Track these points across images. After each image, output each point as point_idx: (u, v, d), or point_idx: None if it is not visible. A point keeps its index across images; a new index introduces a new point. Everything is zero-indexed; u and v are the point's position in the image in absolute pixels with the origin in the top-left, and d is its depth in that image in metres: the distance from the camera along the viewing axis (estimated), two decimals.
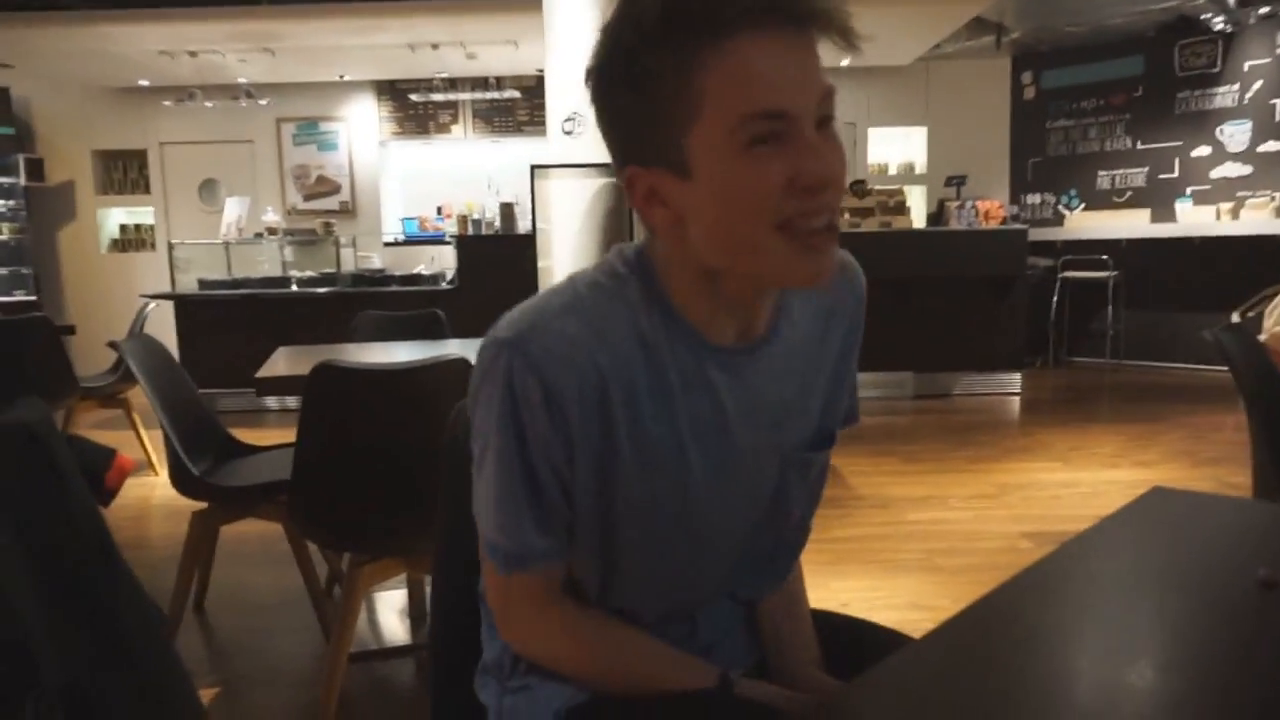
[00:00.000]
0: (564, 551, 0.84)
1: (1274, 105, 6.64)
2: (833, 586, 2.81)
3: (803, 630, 1.00)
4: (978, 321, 5.98)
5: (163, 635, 1.33)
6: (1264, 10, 6.46)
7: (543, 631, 0.87)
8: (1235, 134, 6.87)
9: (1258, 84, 6.72)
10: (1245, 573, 0.84)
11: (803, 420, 0.90)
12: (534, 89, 7.80)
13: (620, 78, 0.73)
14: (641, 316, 0.80)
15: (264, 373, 2.45)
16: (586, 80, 0.76)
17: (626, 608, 0.90)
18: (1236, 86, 6.84)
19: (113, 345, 2.48)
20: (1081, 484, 3.93)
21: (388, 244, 8.01)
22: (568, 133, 4.90)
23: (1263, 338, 3.21)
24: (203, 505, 2.47)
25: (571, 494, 0.81)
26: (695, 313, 0.81)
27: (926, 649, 0.74)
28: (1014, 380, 6.06)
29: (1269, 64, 6.66)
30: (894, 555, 3.11)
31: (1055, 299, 7.21)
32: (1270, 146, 6.68)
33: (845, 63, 7.61)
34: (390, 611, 2.78)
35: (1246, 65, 6.77)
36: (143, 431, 4.44)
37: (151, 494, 4.14)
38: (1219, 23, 6.62)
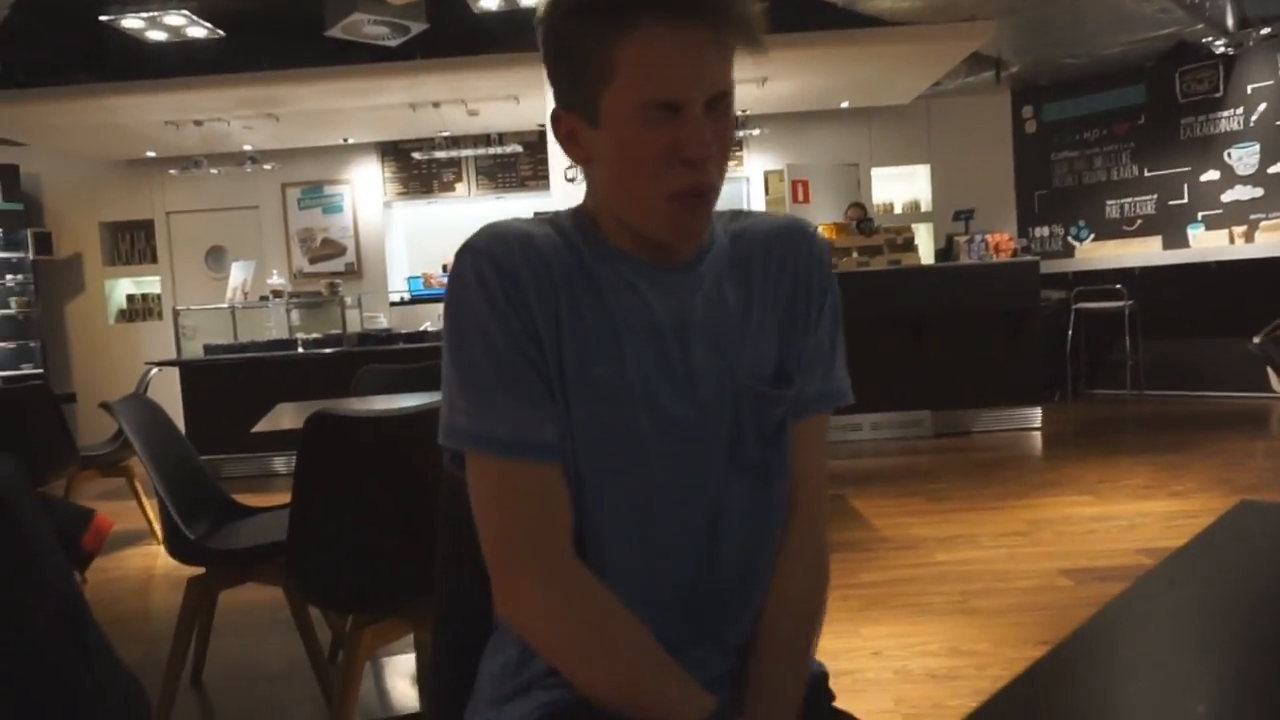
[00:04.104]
0: (542, 441, 0.83)
1: None
2: (864, 634, 2.66)
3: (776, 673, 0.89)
4: (994, 356, 5.85)
5: (144, 712, 1.22)
6: (1265, 31, 6.44)
7: (543, 574, 0.82)
8: (1243, 157, 6.80)
9: (1262, 106, 6.68)
10: None
11: (755, 351, 0.91)
12: (536, 144, 7.84)
13: (553, 35, 0.84)
14: (573, 235, 0.89)
15: (262, 427, 2.36)
16: (536, 28, 0.86)
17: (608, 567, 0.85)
18: (1241, 110, 6.80)
19: (105, 406, 2.40)
20: (1116, 517, 3.77)
21: (394, 303, 7.99)
22: (570, 179, 4.87)
23: None
24: (200, 571, 2.36)
25: (547, 377, 0.84)
26: (618, 238, 0.89)
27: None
28: (1034, 415, 5.91)
29: (1272, 85, 6.62)
30: (926, 598, 2.96)
31: (1070, 331, 7.09)
32: None
33: (845, 104, 7.65)
34: (399, 676, 2.65)
35: (1249, 88, 6.74)
36: (145, 500, 4.34)
37: (154, 564, 4.03)
38: (1219, 46, 6.59)
